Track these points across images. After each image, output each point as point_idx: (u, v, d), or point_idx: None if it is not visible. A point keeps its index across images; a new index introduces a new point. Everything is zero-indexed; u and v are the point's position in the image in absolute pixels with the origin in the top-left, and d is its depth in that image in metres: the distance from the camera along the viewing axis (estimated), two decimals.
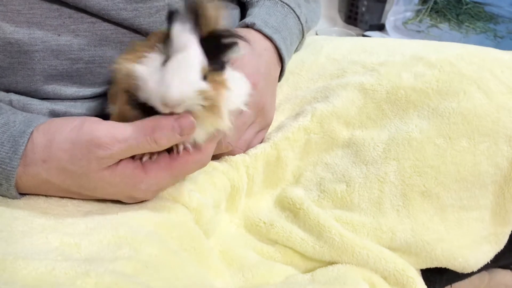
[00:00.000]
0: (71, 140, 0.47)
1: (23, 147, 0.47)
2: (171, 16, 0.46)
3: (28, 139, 0.48)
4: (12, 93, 0.57)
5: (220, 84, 0.48)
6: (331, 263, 0.63)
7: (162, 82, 0.44)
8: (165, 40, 0.46)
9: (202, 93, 0.45)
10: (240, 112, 0.56)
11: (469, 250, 0.67)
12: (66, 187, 0.50)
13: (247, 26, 0.71)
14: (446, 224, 0.66)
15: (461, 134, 0.66)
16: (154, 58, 0.46)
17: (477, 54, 0.75)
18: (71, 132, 0.47)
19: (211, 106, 0.47)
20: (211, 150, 0.52)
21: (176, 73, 0.44)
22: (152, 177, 0.50)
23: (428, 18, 2.22)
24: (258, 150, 0.68)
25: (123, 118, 0.50)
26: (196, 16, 0.46)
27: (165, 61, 0.45)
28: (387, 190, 0.65)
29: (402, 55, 0.76)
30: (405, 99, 0.70)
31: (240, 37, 0.49)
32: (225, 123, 0.49)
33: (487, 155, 0.65)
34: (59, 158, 0.47)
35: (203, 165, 0.53)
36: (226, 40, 0.48)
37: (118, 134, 0.46)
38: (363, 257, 0.61)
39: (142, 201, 0.54)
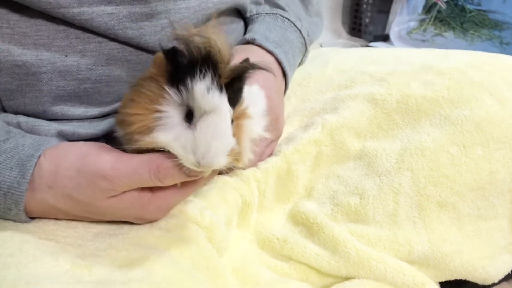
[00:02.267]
0: (77, 169, 0.47)
1: (30, 171, 0.47)
2: (177, 58, 0.42)
3: (36, 163, 0.47)
4: (20, 115, 0.57)
5: (241, 116, 0.47)
6: (348, 278, 0.62)
7: (197, 148, 0.42)
8: (172, 79, 0.43)
9: (232, 150, 0.44)
10: (261, 139, 0.55)
11: (489, 261, 0.65)
12: (74, 212, 0.50)
13: (248, 42, 0.70)
14: (464, 235, 0.64)
15: (475, 142, 0.65)
16: (171, 115, 0.44)
17: (486, 60, 0.74)
18: (76, 161, 0.47)
19: (236, 153, 0.45)
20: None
21: (211, 137, 0.42)
22: (160, 197, 0.49)
23: (432, 27, 2.22)
24: (269, 165, 0.67)
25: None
26: (212, 64, 0.42)
27: (188, 116, 0.43)
28: (402, 202, 0.64)
29: (411, 64, 0.75)
30: (416, 108, 0.69)
31: (264, 69, 0.46)
32: (245, 161, 0.48)
33: (503, 163, 0.64)
34: (64, 185, 0.47)
35: (211, 180, 0.52)
36: (247, 74, 0.46)
37: (122, 168, 0.46)
38: (380, 271, 0.60)
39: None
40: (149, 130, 0.44)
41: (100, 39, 0.56)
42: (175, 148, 0.43)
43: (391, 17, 2.03)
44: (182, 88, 0.43)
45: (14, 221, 0.50)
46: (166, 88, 0.44)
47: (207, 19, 0.63)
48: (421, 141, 0.66)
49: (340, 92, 0.75)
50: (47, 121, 0.57)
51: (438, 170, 0.64)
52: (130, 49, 0.58)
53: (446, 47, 2.04)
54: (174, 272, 0.47)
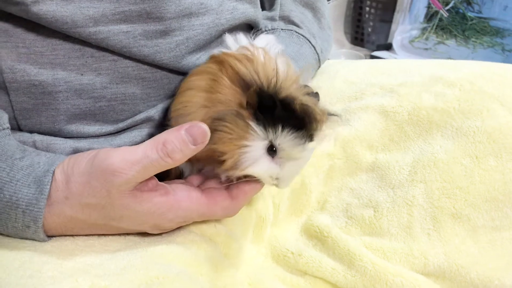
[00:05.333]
0: (87, 172, 0.46)
1: (48, 187, 0.47)
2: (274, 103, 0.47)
3: (52, 178, 0.47)
4: (35, 134, 0.57)
5: None
6: None
7: (280, 179, 0.51)
8: (257, 116, 0.48)
9: None
10: None
11: (505, 272, 0.65)
12: (92, 221, 0.49)
13: None
14: (479, 246, 0.64)
15: (488, 152, 0.65)
16: (258, 148, 0.49)
17: (495, 71, 0.74)
18: (86, 165, 0.47)
19: None
20: (245, 200, 0.53)
21: (290, 172, 0.51)
22: (182, 207, 0.50)
23: (434, 36, 2.23)
24: None
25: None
26: (309, 121, 0.49)
27: (271, 149, 0.49)
28: (416, 214, 0.64)
29: (420, 75, 0.75)
30: (427, 119, 0.69)
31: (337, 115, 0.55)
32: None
33: None
34: (80, 192, 0.47)
35: (231, 214, 0.53)
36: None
37: (130, 157, 0.45)
38: (397, 285, 0.59)
39: (170, 236, 0.53)
40: (237, 165, 0.48)
41: (115, 57, 0.56)
42: (264, 178, 0.50)
43: (393, 26, 2.05)
44: (270, 128, 0.48)
45: (32, 239, 0.50)
46: (252, 124, 0.48)
47: (219, 35, 0.63)
48: (434, 153, 0.66)
49: (351, 103, 0.76)
50: (62, 139, 0.58)
51: (452, 182, 0.64)
52: (145, 66, 0.58)
53: (449, 55, 2.06)
54: None
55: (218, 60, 0.54)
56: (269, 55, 0.53)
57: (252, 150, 0.48)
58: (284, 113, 0.47)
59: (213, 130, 0.47)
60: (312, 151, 0.51)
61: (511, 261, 0.65)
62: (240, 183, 0.51)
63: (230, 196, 0.51)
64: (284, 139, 0.48)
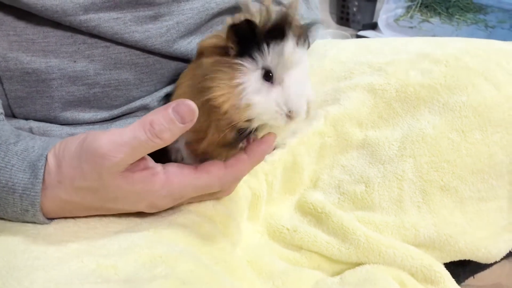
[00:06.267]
0: (77, 156, 0.46)
1: (42, 171, 0.47)
2: (252, 28, 0.46)
3: (45, 162, 0.48)
4: (31, 121, 0.57)
5: None
6: (358, 264, 0.64)
7: (289, 99, 0.46)
8: (242, 49, 0.47)
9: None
10: None
11: (491, 241, 0.68)
12: (88, 203, 0.49)
13: None
14: (467, 217, 0.67)
15: (474, 126, 0.67)
16: (253, 80, 0.46)
17: (480, 46, 0.76)
18: (76, 148, 0.47)
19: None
20: (241, 169, 0.51)
21: (295, 89, 0.47)
22: (175, 183, 0.49)
23: (419, 14, 2.25)
24: (276, 157, 0.68)
25: (215, 149, 0.51)
26: (291, 25, 0.47)
27: (267, 76, 0.47)
28: (406, 188, 0.66)
29: (407, 53, 0.77)
30: (414, 96, 0.71)
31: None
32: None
33: (501, 145, 0.66)
34: (71, 176, 0.47)
35: (227, 185, 0.52)
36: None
37: (118, 139, 0.44)
38: (390, 256, 0.62)
39: (171, 216, 0.54)
40: (237, 106, 0.46)
41: (108, 43, 0.57)
42: (270, 108, 0.46)
43: (378, 5, 2.06)
44: (256, 54, 0.46)
45: (33, 222, 0.50)
46: (239, 60, 0.47)
47: (210, 19, 0.64)
48: (422, 128, 0.68)
49: (340, 83, 0.77)
50: (59, 126, 0.58)
51: (440, 156, 0.66)
52: (137, 52, 0.58)
53: (433, 33, 2.08)
54: (195, 268, 0.48)
55: (198, 51, 0.54)
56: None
57: (246, 85, 0.46)
58: (265, 33, 0.46)
59: (205, 88, 0.47)
60: (306, 57, 0.49)
61: (496, 230, 0.69)
62: (237, 152, 0.50)
63: (225, 165, 0.51)
64: (274, 52, 0.46)
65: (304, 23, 0.50)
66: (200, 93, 0.47)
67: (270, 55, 0.46)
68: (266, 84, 0.47)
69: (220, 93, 0.46)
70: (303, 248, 0.65)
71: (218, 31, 0.52)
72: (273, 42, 0.46)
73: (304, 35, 0.49)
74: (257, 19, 0.47)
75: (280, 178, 0.70)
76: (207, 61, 0.49)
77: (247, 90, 0.46)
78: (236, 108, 0.46)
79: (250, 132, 0.48)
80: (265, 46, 0.46)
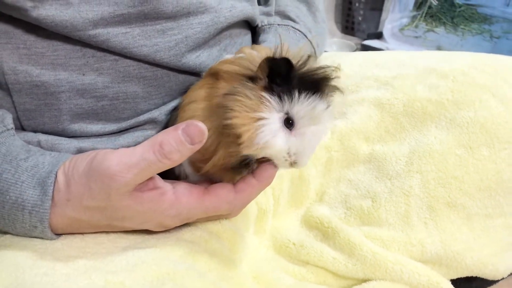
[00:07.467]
0: (86, 175, 0.47)
1: (51, 188, 0.47)
2: (289, 69, 0.45)
3: (55, 179, 0.48)
4: (40, 133, 0.58)
5: None
6: (365, 280, 0.63)
7: (298, 152, 0.47)
8: (271, 86, 0.46)
9: None
10: None
11: (498, 258, 0.67)
12: (95, 222, 0.50)
13: None
14: (474, 233, 0.66)
15: (481, 142, 0.67)
16: (275, 121, 0.46)
17: (487, 62, 0.76)
18: (85, 167, 0.47)
19: None
20: (250, 194, 0.52)
21: (310, 145, 0.48)
22: (183, 204, 0.49)
23: (424, 23, 2.25)
24: (283, 171, 0.68)
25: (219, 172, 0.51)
26: (327, 85, 0.47)
27: (287, 122, 0.46)
28: (413, 203, 0.66)
29: (414, 67, 0.77)
30: (421, 111, 0.71)
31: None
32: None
33: (509, 163, 0.66)
34: (80, 195, 0.47)
35: (235, 209, 0.52)
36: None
37: (128, 160, 0.44)
38: (396, 273, 0.61)
39: (179, 232, 0.54)
40: (256, 142, 0.45)
41: (116, 57, 0.57)
42: (280, 154, 0.47)
43: (383, 14, 2.06)
44: (285, 97, 0.45)
45: (41, 238, 0.51)
46: (266, 95, 0.46)
47: (218, 33, 0.64)
48: (429, 144, 0.68)
49: (346, 96, 0.77)
50: (67, 139, 0.58)
51: (447, 172, 0.66)
52: (146, 65, 0.59)
53: (438, 43, 2.08)
54: (202, 285, 0.48)
55: (211, 72, 0.53)
56: (261, 48, 0.53)
57: (269, 123, 0.45)
58: (298, 79, 0.45)
59: (224, 106, 0.46)
60: (330, 119, 0.48)
61: (503, 247, 0.68)
62: (247, 176, 0.50)
63: (235, 190, 0.51)
64: (302, 105, 0.45)
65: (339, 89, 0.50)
66: (215, 115, 0.47)
67: (298, 104, 0.45)
68: (285, 129, 0.47)
69: (241, 122, 0.45)
70: (310, 263, 0.65)
71: (241, 57, 0.51)
72: (306, 93, 0.45)
73: (332, 94, 0.49)
74: (294, 61, 0.46)
75: (287, 192, 0.70)
76: (226, 85, 0.49)
77: (266, 128, 0.45)
78: (253, 142, 0.45)
79: (253, 160, 0.49)
80: (296, 93, 0.45)
